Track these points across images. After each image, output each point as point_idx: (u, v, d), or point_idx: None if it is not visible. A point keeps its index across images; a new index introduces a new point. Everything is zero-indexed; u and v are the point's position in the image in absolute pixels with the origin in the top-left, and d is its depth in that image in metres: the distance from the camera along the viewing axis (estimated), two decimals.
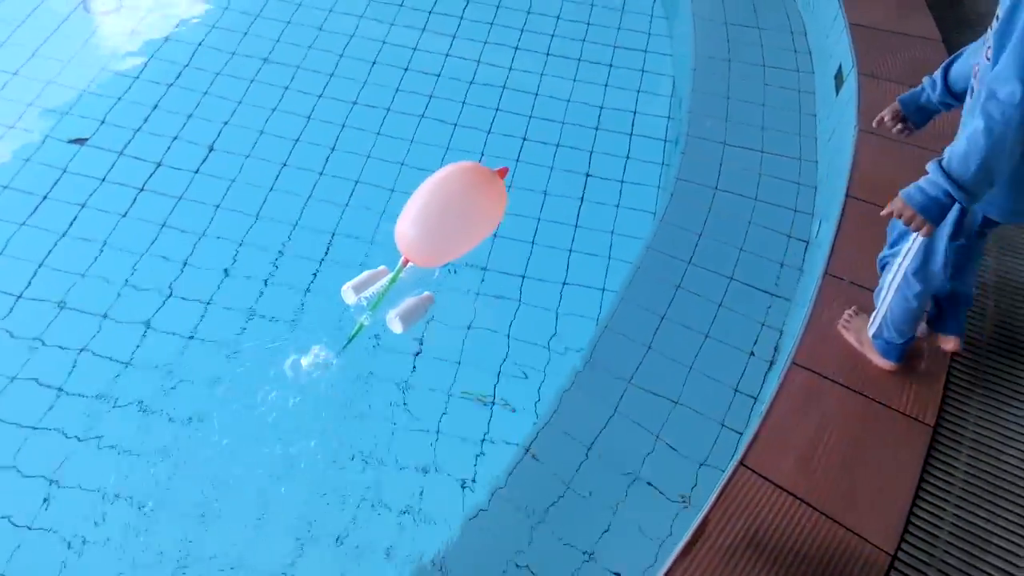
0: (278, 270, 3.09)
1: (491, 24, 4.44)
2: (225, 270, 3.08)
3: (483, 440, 2.65)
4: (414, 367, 2.83)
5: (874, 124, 2.24)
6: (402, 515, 2.46)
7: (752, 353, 2.78)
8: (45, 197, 3.27)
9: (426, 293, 2.09)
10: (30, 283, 2.98)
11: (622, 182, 3.58)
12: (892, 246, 2.21)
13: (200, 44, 4.12)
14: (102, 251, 3.10)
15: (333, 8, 4.44)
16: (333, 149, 3.62)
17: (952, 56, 2.07)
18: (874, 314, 2.32)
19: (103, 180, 3.37)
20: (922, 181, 1.82)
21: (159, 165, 3.45)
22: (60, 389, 2.67)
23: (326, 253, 3.17)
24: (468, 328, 2.96)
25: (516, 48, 4.29)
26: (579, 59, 4.24)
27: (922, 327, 2.39)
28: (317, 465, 2.55)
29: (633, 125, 3.88)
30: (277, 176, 3.47)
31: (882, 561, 1.93)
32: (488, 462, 2.57)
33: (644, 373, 2.69)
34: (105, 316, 2.89)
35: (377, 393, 2.76)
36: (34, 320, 2.86)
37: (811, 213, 3.28)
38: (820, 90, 3.85)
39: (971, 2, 4.15)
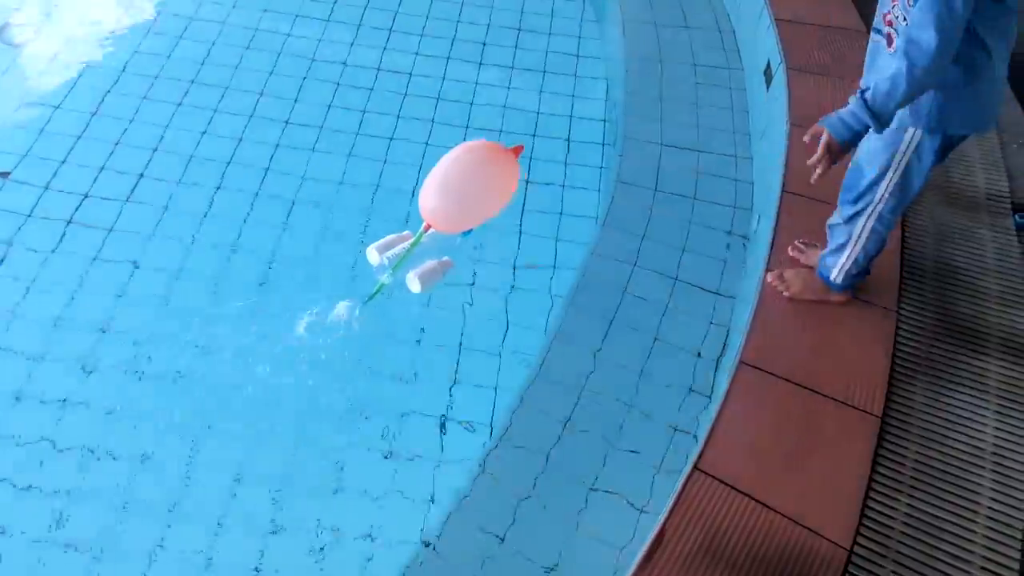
0: (216, 297, 3.01)
1: (420, 36, 4.41)
2: (164, 297, 3.00)
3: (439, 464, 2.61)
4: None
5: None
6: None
7: (699, 354, 2.79)
8: None
9: (445, 258, 2.28)
10: None
11: (563, 187, 3.57)
12: (856, 201, 2.28)
13: (123, 69, 4.01)
14: (28, 290, 2.99)
15: (258, 27, 4.37)
16: (267, 169, 3.55)
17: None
18: (839, 267, 2.42)
19: (29, 215, 3.25)
20: (845, 113, 2.02)
21: (86, 196, 3.35)
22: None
23: (263, 281, 3.09)
24: (417, 342, 2.92)
25: (448, 58, 4.26)
26: (512, 67, 4.23)
27: None
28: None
29: (570, 130, 3.87)
30: (211, 201, 3.38)
31: (840, 557, 1.94)
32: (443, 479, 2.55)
33: (595, 380, 2.68)
34: (41, 358, 2.78)
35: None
36: None
37: (750, 209, 3.31)
38: (751, 86, 3.90)
39: None
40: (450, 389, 2.79)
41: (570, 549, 2.26)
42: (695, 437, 2.49)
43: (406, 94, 4.02)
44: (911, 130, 2.11)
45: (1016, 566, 1.94)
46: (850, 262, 2.40)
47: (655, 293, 2.96)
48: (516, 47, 4.37)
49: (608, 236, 3.18)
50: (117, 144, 3.59)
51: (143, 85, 3.92)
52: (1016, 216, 2.90)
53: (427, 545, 2.27)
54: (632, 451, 2.49)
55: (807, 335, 2.49)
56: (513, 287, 3.13)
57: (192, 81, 3.97)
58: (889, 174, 2.19)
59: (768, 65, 3.71)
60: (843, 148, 2.05)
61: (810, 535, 1.98)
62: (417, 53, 4.28)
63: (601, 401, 2.62)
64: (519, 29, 4.50)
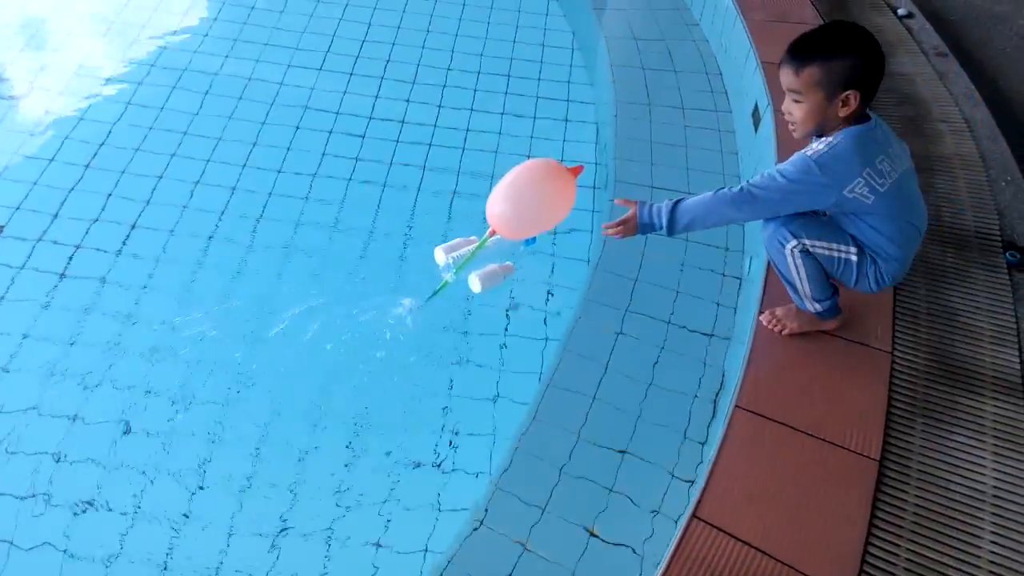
0: (203, 346, 3.00)
1: (412, 83, 4.45)
2: (154, 348, 2.99)
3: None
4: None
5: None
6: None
7: (696, 396, 2.78)
8: None
9: (508, 263, 2.53)
10: None
11: (555, 232, 3.58)
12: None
13: (117, 121, 4.04)
14: (21, 344, 2.98)
15: (251, 76, 4.41)
16: (260, 218, 3.56)
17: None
18: (807, 299, 2.45)
19: (22, 268, 3.25)
20: (654, 209, 2.32)
21: (78, 247, 3.35)
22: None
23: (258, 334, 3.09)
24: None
25: (439, 106, 4.30)
26: (502, 112, 4.27)
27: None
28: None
29: None
30: (205, 250, 3.39)
31: None
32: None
33: (591, 425, 2.67)
34: (33, 409, 2.76)
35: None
36: None
37: (742, 251, 3.33)
38: (739, 129, 3.93)
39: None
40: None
41: None
42: (692, 483, 2.48)
43: (398, 141, 4.05)
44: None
45: None
46: (808, 290, 2.41)
47: (650, 336, 2.96)
48: (506, 93, 4.41)
49: (600, 280, 3.19)
50: (110, 196, 3.61)
51: (137, 137, 3.95)
52: (1007, 254, 2.92)
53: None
54: (630, 498, 2.47)
55: (802, 377, 2.48)
56: (507, 330, 3.13)
57: (184, 133, 4.00)
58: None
59: (756, 107, 3.75)
60: (640, 231, 2.37)
61: None
62: (408, 100, 4.32)
63: (594, 448, 2.61)
64: (509, 76, 4.55)
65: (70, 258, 3.31)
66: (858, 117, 2.20)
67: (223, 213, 3.57)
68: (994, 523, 2.09)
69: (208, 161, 3.84)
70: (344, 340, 3.03)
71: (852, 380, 2.46)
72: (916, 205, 2.30)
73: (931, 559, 2.02)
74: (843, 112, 2.15)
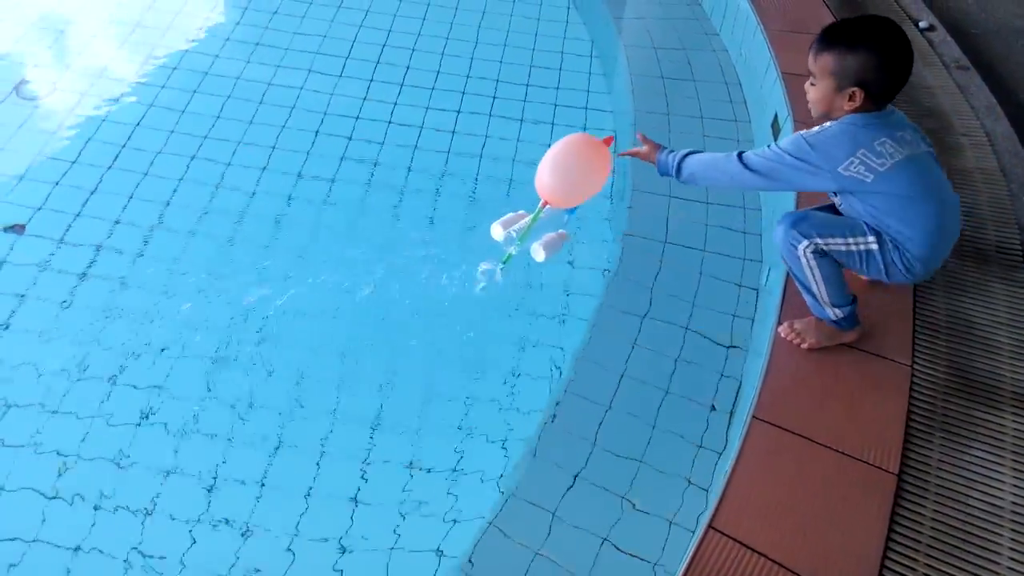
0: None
1: (431, 89, 4.47)
2: (180, 346, 3.01)
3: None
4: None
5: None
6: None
7: (713, 407, 2.77)
8: None
9: (562, 231, 2.66)
10: None
11: (573, 239, 3.58)
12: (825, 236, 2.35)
13: (138, 124, 4.07)
14: (47, 342, 3.00)
15: (272, 81, 4.45)
16: (277, 222, 3.58)
17: None
18: (826, 306, 2.44)
19: (44, 268, 3.28)
20: (671, 156, 2.51)
21: (99, 248, 3.37)
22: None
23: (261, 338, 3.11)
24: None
25: (458, 112, 4.31)
26: (521, 119, 4.28)
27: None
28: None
29: None
30: (226, 252, 3.41)
31: None
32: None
33: (606, 433, 2.66)
34: (55, 411, 2.78)
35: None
36: None
37: (760, 261, 3.32)
38: (758, 139, 3.93)
39: None
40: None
41: None
42: (707, 492, 2.47)
43: (416, 147, 4.07)
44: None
45: None
46: (825, 295, 2.41)
47: (666, 346, 2.96)
48: (525, 101, 4.43)
49: (617, 288, 3.19)
50: (131, 198, 3.64)
51: (158, 139, 3.98)
52: None
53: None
54: (641, 509, 2.46)
55: (820, 389, 2.47)
56: (522, 337, 3.13)
57: (205, 137, 4.03)
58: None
59: (775, 118, 3.74)
60: (657, 168, 2.57)
61: None
62: (428, 107, 4.34)
63: (610, 456, 2.60)
64: (527, 84, 4.56)
65: (92, 260, 3.33)
66: (870, 108, 2.23)
67: (242, 215, 3.59)
68: (1013, 539, 2.08)
69: (228, 165, 3.86)
70: (360, 350, 3.05)
71: (871, 392, 2.45)
72: (932, 186, 2.28)
73: (949, 575, 2.00)
74: (848, 106, 2.22)
